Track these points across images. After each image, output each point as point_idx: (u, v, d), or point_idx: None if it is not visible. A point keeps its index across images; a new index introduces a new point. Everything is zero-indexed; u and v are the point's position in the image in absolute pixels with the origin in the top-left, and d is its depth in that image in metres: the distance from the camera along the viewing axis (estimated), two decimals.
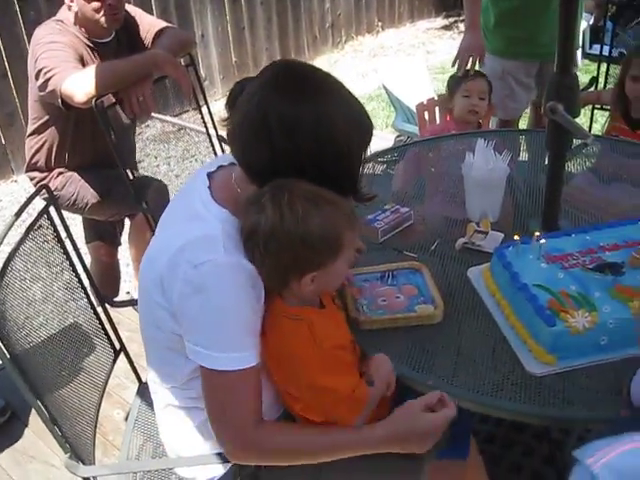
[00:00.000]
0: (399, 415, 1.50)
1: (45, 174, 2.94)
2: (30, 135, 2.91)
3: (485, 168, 2.07)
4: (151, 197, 2.87)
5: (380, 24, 7.59)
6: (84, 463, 1.68)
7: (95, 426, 1.89)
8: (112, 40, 2.84)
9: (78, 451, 1.71)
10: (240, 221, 1.46)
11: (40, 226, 1.90)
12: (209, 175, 1.57)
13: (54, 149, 2.88)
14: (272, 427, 1.52)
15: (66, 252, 2.00)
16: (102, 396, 1.98)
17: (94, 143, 2.86)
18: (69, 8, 2.70)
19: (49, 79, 2.56)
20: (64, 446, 1.65)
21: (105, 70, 2.55)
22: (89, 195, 2.90)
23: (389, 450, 1.49)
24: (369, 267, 1.92)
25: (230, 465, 1.65)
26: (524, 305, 1.63)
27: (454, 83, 3.06)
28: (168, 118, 3.53)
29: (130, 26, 2.90)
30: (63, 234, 1.99)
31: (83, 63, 2.68)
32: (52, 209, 1.98)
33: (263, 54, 6.63)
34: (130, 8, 2.95)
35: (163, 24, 2.98)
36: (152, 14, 5.78)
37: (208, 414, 1.49)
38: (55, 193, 2.93)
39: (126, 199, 2.90)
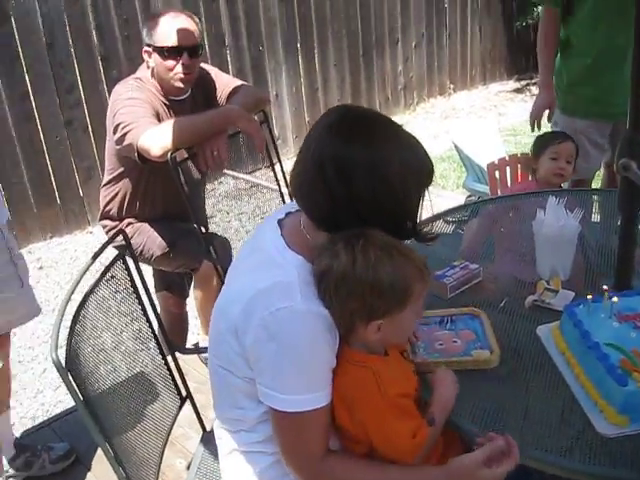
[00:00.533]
0: (460, 464, 1.48)
1: (116, 223, 3.04)
2: (105, 185, 3.02)
3: (556, 225, 2.05)
4: (216, 250, 2.93)
5: (452, 86, 7.66)
6: None
7: (158, 473, 1.90)
8: (188, 97, 2.94)
9: None
10: (310, 265, 1.49)
11: (113, 276, 1.96)
12: (279, 222, 1.61)
13: (126, 199, 2.97)
14: (339, 460, 1.52)
15: (139, 300, 2.05)
16: (166, 443, 2.00)
17: (165, 196, 2.94)
18: (147, 65, 2.82)
19: (126, 133, 2.66)
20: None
21: (182, 125, 2.63)
22: (155, 246, 2.97)
23: None
24: (428, 311, 1.91)
25: None
26: (595, 364, 1.58)
27: (541, 144, 3.04)
28: (241, 175, 3.60)
29: (206, 83, 3.00)
30: (137, 281, 2.05)
31: (159, 119, 2.77)
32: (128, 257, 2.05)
33: None
34: (207, 66, 3.07)
35: (238, 82, 3.08)
36: (228, 73, 5.99)
37: (279, 446, 1.51)
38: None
39: (190, 252, 2.98)
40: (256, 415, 1.57)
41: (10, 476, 2.75)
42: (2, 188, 4.87)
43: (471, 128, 4.47)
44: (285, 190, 3.25)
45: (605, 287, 1.77)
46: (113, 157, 2.93)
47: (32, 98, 4.91)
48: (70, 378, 1.55)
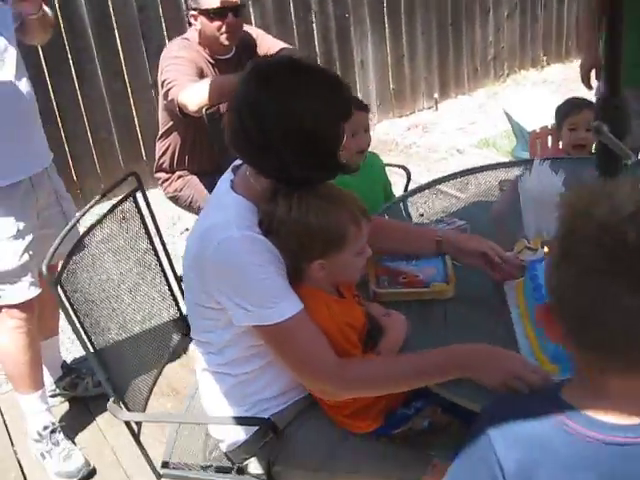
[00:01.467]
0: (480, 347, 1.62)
1: (169, 175, 3.28)
2: (159, 139, 3.26)
3: (539, 185, 2.11)
4: None
5: (545, 58, 7.50)
6: (128, 410, 1.93)
7: (154, 382, 2.17)
8: (233, 57, 3.12)
9: (128, 400, 1.97)
10: (255, 206, 1.69)
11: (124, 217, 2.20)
12: (234, 169, 1.80)
13: (176, 152, 3.20)
14: (353, 361, 1.68)
15: (150, 239, 2.28)
16: (168, 357, 2.24)
17: (210, 151, 3.15)
18: (194, 27, 3.03)
19: (170, 89, 2.89)
20: (109, 392, 1.91)
21: (218, 83, 2.82)
22: (201, 199, 3.18)
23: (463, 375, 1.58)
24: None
25: (253, 432, 1.83)
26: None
27: (560, 116, 3.05)
28: None
29: (252, 45, 3.18)
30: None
31: (203, 77, 2.97)
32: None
33: (421, 83, 6.77)
34: (253, 29, 3.24)
35: (283, 44, 3.23)
36: (315, 41, 6.15)
37: (291, 370, 1.68)
38: (175, 194, 3.26)
39: None
40: (222, 340, 1.76)
41: (56, 394, 3.07)
42: (93, 143, 5.25)
43: (526, 96, 4.39)
44: None
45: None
46: (163, 112, 3.17)
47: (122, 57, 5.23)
48: (60, 292, 1.79)
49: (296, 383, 1.80)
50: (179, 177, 3.28)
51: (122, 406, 1.92)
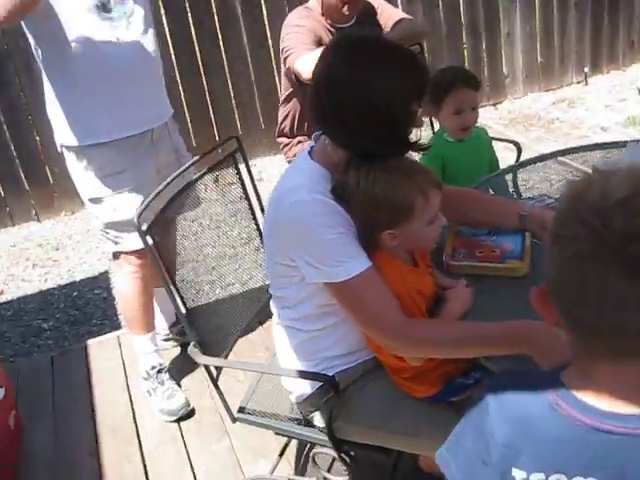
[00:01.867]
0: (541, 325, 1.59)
1: (289, 140, 3.39)
2: (281, 104, 3.38)
3: None
4: None
5: None
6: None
7: (239, 335, 2.32)
8: (353, 25, 3.17)
9: (211, 347, 2.13)
10: (329, 173, 1.76)
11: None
12: (316, 137, 1.87)
13: (296, 118, 3.29)
14: (419, 320, 1.76)
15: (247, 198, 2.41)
16: (255, 313, 2.38)
17: None
18: None
19: (287, 57, 2.98)
20: (192, 337, 2.07)
21: None
22: None
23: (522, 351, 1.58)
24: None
25: (317, 387, 1.93)
26: None
27: None
28: None
29: (372, 14, 3.20)
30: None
31: (321, 45, 3.04)
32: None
33: (572, 56, 6.51)
34: None
35: (403, 14, 3.24)
36: (460, 9, 6.05)
37: (360, 325, 1.78)
38: (294, 159, 3.37)
39: None
40: (296, 296, 1.87)
41: (169, 339, 3.31)
42: (235, 105, 5.50)
43: None
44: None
45: None
46: (284, 78, 3.28)
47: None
48: (148, 239, 1.98)
49: (363, 344, 1.88)
50: (299, 142, 3.37)
51: (202, 351, 2.07)
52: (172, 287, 2.05)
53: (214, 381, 2.11)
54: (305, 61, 2.89)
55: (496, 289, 1.88)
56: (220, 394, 2.12)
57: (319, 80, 1.72)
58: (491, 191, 2.64)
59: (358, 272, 1.67)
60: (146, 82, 2.71)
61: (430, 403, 1.86)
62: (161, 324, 3.24)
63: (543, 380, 1.10)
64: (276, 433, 2.15)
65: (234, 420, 2.16)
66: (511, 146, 3.17)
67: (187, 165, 2.26)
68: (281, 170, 1.93)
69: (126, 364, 3.29)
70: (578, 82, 6.60)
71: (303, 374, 1.92)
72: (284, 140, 3.43)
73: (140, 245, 2.74)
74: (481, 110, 6.30)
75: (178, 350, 3.30)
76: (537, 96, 6.48)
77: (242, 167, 2.42)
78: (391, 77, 1.66)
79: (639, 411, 0.99)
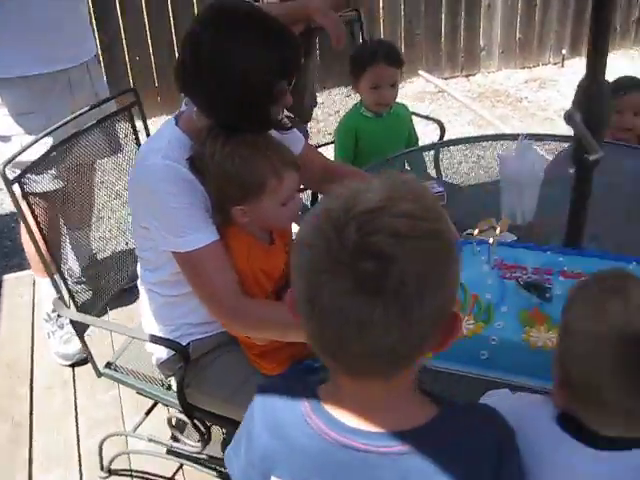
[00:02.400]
0: None
1: None
2: None
3: (519, 166, 2.01)
4: None
5: None
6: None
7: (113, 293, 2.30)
8: None
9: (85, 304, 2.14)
10: (190, 141, 1.73)
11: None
12: (187, 101, 1.83)
13: None
14: (254, 301, 1.75)
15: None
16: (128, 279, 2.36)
17: None
18: None
19: None
20: (60, 289, 2.09)
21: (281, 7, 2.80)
22: None
23: None
24: None
25: (173, 352, 1.92)
26: None
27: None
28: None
29: None
30: None
31: None
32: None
33: (551, 36, 6.41)
34: None
35: None
36: None
37: (198, 297, 1.76)
38: None
39: None
40: (157, 260, 1.85)
41: (80, 282, 3.29)
42: None
43: None
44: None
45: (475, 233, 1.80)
46: None
47: None
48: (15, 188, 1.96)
49: None
50: None
51: (69, 305, 2.07)
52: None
53: (79, 335, 2.11)
54: None
55: None
56: (85, 347, 2.13)
57: (185, 44, 1.67)
58: (407, 167, 2.62)
59: (199, 245, 1.65)
60: (63, 18, 2.59)
61: None
62: (75, 268, 3.22)
63: (301, 391, 1.08)
64: (137, 392, 2.15)
65: (99, 375, 2.16)
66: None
67: (77, 114, 2.20)
68: None
69: (36, 303, 3.28)
70: (555, 63, 6.51)
71: (156, 339, 1.91)
72: None
73: (47, 188, 2.74)
74: (452, 81, 6.33)
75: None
76: (511, 72, 6.39)
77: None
78: (252, 50, 1.61)
79: (381, 429, 0.97)
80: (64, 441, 2.62)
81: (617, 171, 2.23)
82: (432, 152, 2.60)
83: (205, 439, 2.02)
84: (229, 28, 1.63)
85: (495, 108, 5.78)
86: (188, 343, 1.90)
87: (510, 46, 6.37)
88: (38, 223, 2.78)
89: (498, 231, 1.96)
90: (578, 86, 1.77)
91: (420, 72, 6.13)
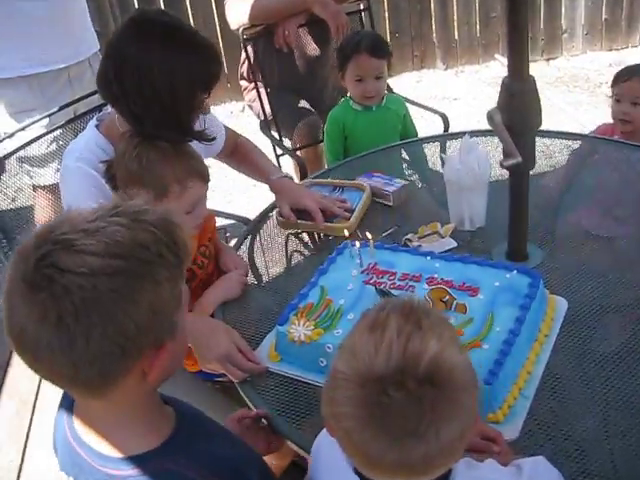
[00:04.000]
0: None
1: (247, 84, 3.30)
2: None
3: (460, 167, 1.91)
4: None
5: None
6: None
7: None
8: None
9: None
10: (110, 145, 1.79)
11: None
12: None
13: (251, 63, 3.17)
14: None
15: None
16: None
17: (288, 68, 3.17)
18: None
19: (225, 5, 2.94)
20: None
21: (259, 3, 2.82)
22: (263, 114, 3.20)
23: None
24: (328, 180, 2.24)
25: None
26: None
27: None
28: None
29: None
30: None
31: None
32: None
33: None
34: None
35: None
36: None
37: None
38: (249, 104, 3.34)
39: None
40: None
41: None
42: None
43: None
44: None
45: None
46: None
47: None
48: None
49: None
50: (254, 88, 3.33)
51: None
52: None
53: None
54: (232, 10, 2.85)
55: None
56: None
57: (108, 52, 1.70)
58: (406, 156, 2.55)
59: None
60: (61, 17, 2.64)
61: (198, 380, 1.90)
62: None
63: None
64: None
65: None
66: None
67: (49, 113, 2.28)
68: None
69: None
70: None
71: None
72: (244, 84, 3.39)
73: (53, 181, 2.84)
74: (533, 65, 6.03)
75: None
76: (595, 56, 6.04)
77: None
78: (176, 63, 1.64)
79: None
80: None
81: None
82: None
83: None
84: (152, 40, 1.65)
85: (571, 93, 5.49)
86: None
87: (595, 27, 6.02)
88: (45, 215, 2.94)
89: (438, 237, 1.91)
90: (501, 84, 1.65)
91: (496, 56, 5.91)
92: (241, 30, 2.83)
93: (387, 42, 2.68)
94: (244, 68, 3.31)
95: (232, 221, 2.75)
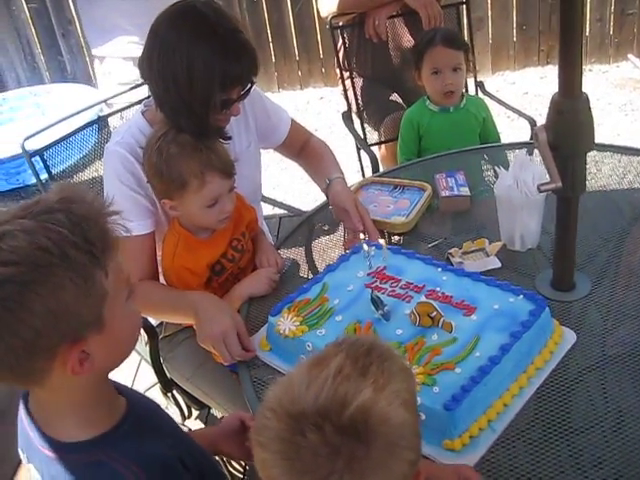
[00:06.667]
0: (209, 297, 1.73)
1: (342, 73, 3.26)
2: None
3: (512, 183, 1.80)
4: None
5: None
6: None
7: None
8: None
9: None
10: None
11: None
12: None
13: (347, 52, 3.12)
14: (147, 283, 1.84)
15: None
16: None
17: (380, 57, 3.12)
18: None
19: None
20: None
21: None
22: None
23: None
24: (389, 179, 2.19)
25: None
26: None
27: None
28: None
29: None
30: None
31: None
32: None
33: None
34: None
35: None
36: None
37: None
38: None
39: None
40: None
41: None
42: None
43: None
44: None
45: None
46: None
47: None
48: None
49: None
50: (349, 77, 3.29)
51: None
52: None
53: None
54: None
55: None
56: None
57: (150, 29, 1.73)
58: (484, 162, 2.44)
59: (128, 235, 1.71)
60: None
61: (226, 370, 1.89)
62: None
63: None
64: None
65: None
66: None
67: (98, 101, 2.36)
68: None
69: None
70: None
71: None
72: (339, 72, 3.35)
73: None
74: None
75: None
76: None
77: None
78: (198, 57, 1.65)
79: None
80: None
81: None
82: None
83: (184, 414, 2.14)
84: (183, 29, 1.68)
85: (634, 93, 5.06)
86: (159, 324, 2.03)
87: None
88: None
89: (483, 254, 1.81)
90: (550, 100, 1.53)
91: (629, 56, 5.55)
92: (329, 18, 2.79)
93: (463, 36, 2.56)
94: (340, 56, 3.26)
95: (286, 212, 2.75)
